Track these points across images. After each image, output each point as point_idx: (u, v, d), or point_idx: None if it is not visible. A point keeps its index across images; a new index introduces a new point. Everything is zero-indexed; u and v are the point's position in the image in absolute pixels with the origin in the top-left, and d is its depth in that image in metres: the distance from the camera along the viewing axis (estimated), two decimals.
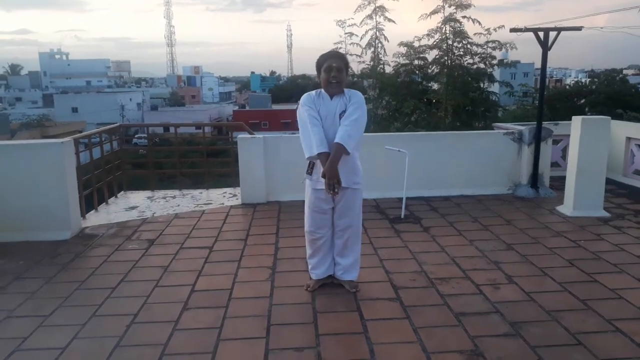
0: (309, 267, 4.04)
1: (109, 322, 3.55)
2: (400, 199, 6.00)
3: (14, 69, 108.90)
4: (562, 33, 6.40)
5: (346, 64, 3.67)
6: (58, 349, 3.19)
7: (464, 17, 15.48)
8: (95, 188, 6.41)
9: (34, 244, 5.14)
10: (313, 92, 3.71)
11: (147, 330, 3.44)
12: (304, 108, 3.61)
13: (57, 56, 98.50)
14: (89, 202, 6.31)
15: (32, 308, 3.79)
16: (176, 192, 7.32)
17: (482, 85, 16.33)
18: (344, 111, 3.56)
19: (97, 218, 6.12)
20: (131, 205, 6.70)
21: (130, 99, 64.32)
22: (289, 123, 53.40)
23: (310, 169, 3.68)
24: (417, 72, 16.71)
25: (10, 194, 5.29)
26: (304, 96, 3.69)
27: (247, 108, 63.01)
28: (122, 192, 7.26)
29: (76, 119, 53.59)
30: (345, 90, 3.64)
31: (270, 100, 62.97)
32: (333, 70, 3.56)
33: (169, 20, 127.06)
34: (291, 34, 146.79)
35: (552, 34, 6.42)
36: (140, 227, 5.71)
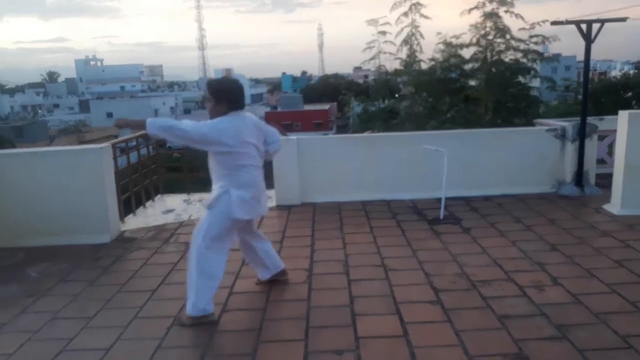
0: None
1: (150, 324, 3.60)
2: (439, 200, 5.89)
3: (52, 76, 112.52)
4: (606, 24, 6.17)
5: (211, 93, 3.69)
6: (103, 350, 3.26)
7: (506, 11, 15.20)
8: (133, 192, 6.53)
9: (76, 247, 5.27)
10: None
11: (187, 332, 3.47)
12: None
13: (92, 62, 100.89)
14: (127, 206, 6.43)
15: (76, 310, 3.88)
16: None
17: (522, 80, 15.94)
18: None
19: (136, 221, 6.22)
20: (168, 208, 6.79)
21: (164, 103, 65.55)
22: (320, 124, 53.40)
23: None
24: (453, 69, 16.46)
25: (52, 199, 5.42)
26: None
27: (279, 109, 63.19)
28: (158, 196, 7.36)
29: (111, 123, 54.87)
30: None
31: (301, 101, 62.89)
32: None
33: (200, 23, 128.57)
34: (322, 33, 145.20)
35: (596, 26, 6.19)
36: (177, 230, 5.78)
